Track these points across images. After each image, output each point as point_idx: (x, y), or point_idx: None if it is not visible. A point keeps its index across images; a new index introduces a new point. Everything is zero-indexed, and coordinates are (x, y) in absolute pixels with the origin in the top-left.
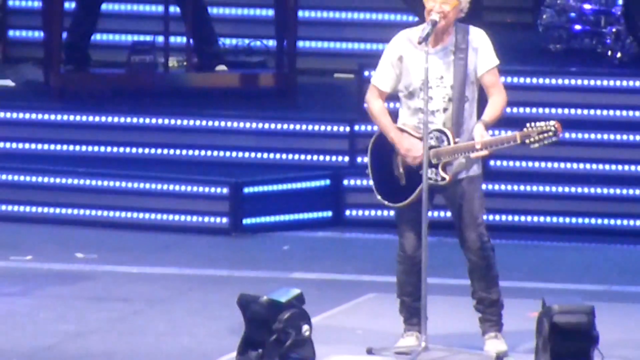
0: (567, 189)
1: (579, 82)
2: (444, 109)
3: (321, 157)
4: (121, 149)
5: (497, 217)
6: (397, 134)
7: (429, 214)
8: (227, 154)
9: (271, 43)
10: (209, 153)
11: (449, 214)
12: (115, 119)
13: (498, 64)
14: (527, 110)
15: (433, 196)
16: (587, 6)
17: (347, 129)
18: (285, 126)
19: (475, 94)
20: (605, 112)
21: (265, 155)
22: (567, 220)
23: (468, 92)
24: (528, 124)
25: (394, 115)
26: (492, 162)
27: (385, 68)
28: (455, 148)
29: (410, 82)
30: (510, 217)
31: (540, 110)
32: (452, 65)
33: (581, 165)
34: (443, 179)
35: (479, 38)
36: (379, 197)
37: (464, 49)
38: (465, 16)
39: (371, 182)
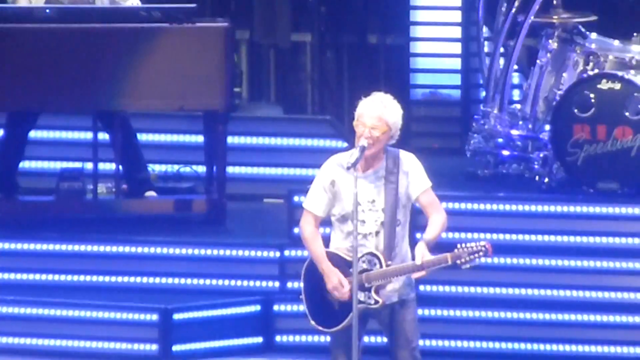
0: (497, 314)
1: (507, 207)
2: (376, 232)
3: (251, 283)
4: (50, 276)
5: (430, 343)
6: (328, 265)
7: (364, 339)
8: (157, 280)
9: (201, 169)
10: (137, 279)
11: (384, 339)
12: (44, 246)
13: (430, 185)
14: (457, 235)
15: (367, 320)
16: (514, 132)
17: (277, 254)
18: (215, 252)
19: (407, 217)
20: (534, 237)
21: (195, 281)
22: (499, 345)
23: (400, 215)
24: (459, 245)
25: (325, 239)
26: (422, 287)
27: (318, 192)
28: (387, 271)
29: (343, 206)
30: (442, 342)
31: (470, 235)
32: (382, 189)
33: (510, 291)
34: (376, 302)
35: (409, 162)
36: (312, 322)
37: (395, 172)
38: (395, 141)
39: (304, 307)
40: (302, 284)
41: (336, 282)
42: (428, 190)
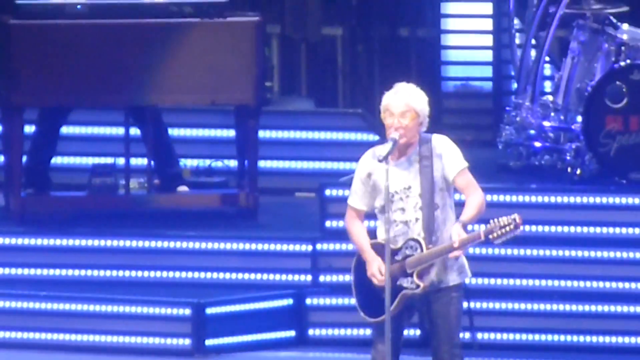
0: (529, 306)
1: (540, 199)
2: (415, 219)
3: (283, 277)
4: (82, 272)
5: (462, 335)
6: (370, 255)
7: (405, 332)
8: (189, 274)
9: (232, 163)
10: (170, 274)
11: (418, 332)
12: (77, 242)
13: (467, 166)
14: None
15: (412, 312)
16: (546, 123)
17: (309, 247)
18: (247, 246)
19: (446, 200)
20: (565, 229)
21: (227, 275)
22: (531, 337)
23: (437, 199)
24: (491, 220)
25: (372, 232)
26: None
27: (357, 187)
28: (425, 255)
29: (382, 197)
30: (478, 335)
31: None
32: (417, 174)
33: (543, 282)
34: (417, 286)
35: (442, 144)
36: (361, 313)
37: (429, 156)
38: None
39: (355, 299)
40: (352, 276)
41: (375, 269)
42: (464, 171)
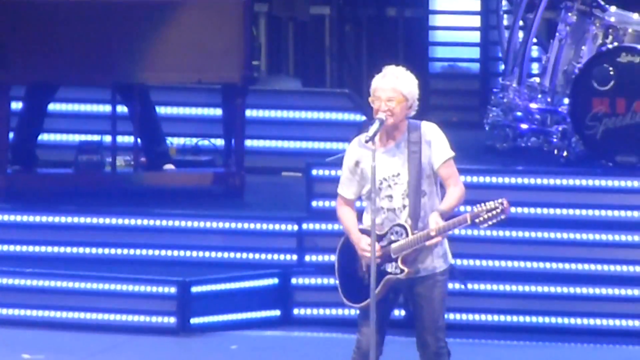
0: (515, 288)
1: (526, 180)
2: (403, 206)
3: (269, 256)
4: (68, 249)
5: (448, 316)
6: (357, 235)
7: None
8: (175, 253)
9: (219, 142)
10: (156, 252)
11: (403, 312)
12: (63, 219)
13: (453, 155)
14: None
15: (398, 296)
16: (533, 105)
17: (295, 227)
18: (233, 225)
19: (433, 187)
20: (551, 211)
21: (213, 254)
22: (516, 318)
23: (425, 186)
24: (478, 204)
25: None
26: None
27: (346, 176)
28: (410, 240)
29: (370, 185)
30: (459, 316)
31: None
32: (406, 161)
33: (529, 264)
34: (402, 271)
35: (431, 132)
36: (343, 298)
37: (418, 143)
38: (415, 114)
39: (336, 283)
40: (336, 261)
41: (364, 245)
42: (449, 161)
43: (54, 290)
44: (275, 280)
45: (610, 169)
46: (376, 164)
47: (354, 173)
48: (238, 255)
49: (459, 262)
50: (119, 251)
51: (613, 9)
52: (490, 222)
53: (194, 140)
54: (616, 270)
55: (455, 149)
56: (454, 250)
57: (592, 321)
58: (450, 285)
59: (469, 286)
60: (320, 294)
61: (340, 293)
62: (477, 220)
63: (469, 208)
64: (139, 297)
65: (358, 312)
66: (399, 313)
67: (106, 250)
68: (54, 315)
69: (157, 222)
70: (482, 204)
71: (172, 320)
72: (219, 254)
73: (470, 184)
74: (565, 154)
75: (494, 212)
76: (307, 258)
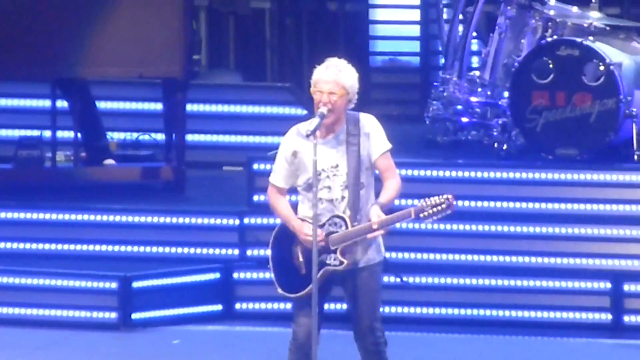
0: (455, 281)
1: (467, 174)
2: (342, 197)
3: (211, 250)
4: (8, 244)
5: (390, 310)
6: (298, 222)
7: (325, 306)
8: (116, 248)
9: (160, 137)
10: (97, 247)
11: (343, 306)
12: (2, 215)
13: (390, 147)
14: (416, 202)
15: (330, 287)
16: (473, 99)
17: (237, 221)
18: (174, 219)
19: (371, 179)
20: (492, 204)
21: (154, 249)
22: (457, 312)
23: (363, 178)
24: (422, 199)
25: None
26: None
27: (281, 165)
28: (348, 232)
29: (308, 175)
30: (401, 309)
31: None
32: (345, 152)
33: (469, 257)
34: (341, 263)
35: (369, 124)
36: (278, 289)
37: (356, 135)
38: (354, 108)
39: (271, 274)
40: (270, 252)
41: (307, 230)
42: (386, 153)
43: None
44: (217, 275)
45: (550, 162)
46: (313, 157)
47: (291, 163)
48: (179, 249)
49: (400, 255)
50: (59, 246)
51: (552, 2)
52: (435, 217)
53: (135, 134)
54: (556, 263)
55: (396, 143)
56: (395, 244)
57: (532, 313)
58: (386, 279)
59: (410, 279)
60: (262, 288)
61: (275, 284)
62: (421, 215)
63: (410, 202)
64: (80, 292)
65: (292, 304)
66: (341, 307)
67: (47, 246)
68: None
69: (98, 217)
70: (427, 199)
71: (114, 315)
72: (161, 249)
73: (412, 177)
74: (505, 147)
75: (440, 208)
76: (248, 252)
